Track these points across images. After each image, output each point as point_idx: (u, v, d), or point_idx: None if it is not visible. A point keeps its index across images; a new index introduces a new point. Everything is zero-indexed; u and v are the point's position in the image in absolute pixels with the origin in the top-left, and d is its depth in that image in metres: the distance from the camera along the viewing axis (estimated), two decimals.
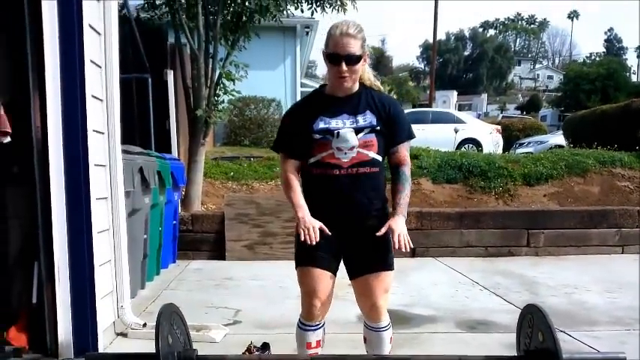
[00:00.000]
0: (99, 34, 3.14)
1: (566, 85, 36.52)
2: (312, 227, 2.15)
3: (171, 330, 2.01)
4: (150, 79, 6.40)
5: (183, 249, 5.94)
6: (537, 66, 76.97)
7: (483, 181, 7.45)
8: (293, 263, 2.35)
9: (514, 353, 2.26)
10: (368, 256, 2.28)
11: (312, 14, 7.04)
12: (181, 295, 4.46)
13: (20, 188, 2.96)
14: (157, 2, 6.75)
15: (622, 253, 6.36)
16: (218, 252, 6.01)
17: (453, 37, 71.41)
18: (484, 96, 50.58)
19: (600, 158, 7.98)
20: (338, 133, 2.22)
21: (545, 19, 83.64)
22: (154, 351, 1.85)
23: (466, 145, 13.63)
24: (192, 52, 6.38)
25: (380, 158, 2.28)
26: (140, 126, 6.33)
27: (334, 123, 2.24)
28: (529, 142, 16.50)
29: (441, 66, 61.62)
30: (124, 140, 3.56)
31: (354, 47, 2.14)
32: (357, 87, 2.29)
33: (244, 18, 6.45)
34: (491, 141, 13.61)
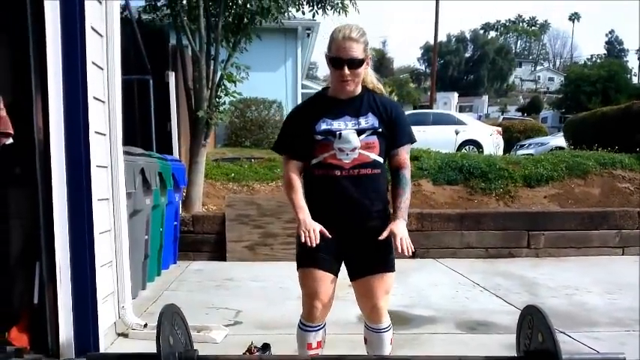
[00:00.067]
0: (101, 35, 3.16)
1: (566, 86, 36.52)
2: (313, 230, 2.15)
3: (173, 330, 2.02)
4: (151, 81, 6.41)
5: (184, 250, 5.95)
6: (538, 68, 76.96)
7: (484, 183, 7.46)
8: (294, 264, 2.36)
9: (514, 354, 2.27)
10: (369, 258, 2.29)
11: (314, 16, 7.06)
12: (182, 295, 4.47)
13: (22, 189, 2.97)
14: (159, 4, 6.77)
15: (622, 255, 6.36)
16: (219, 253, 6.03)
17: (453, 39, 71.47)
18: (485, 98, 50.61)
19: (601, 160, 7.99)
20: (340, 134, 2.23)
21: (546, 20, 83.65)
22: (155, 351, 1.86)
23: (467, 147, 13.64)
24: (193, 53, 6.40)
25: (381, 160, 2.29)
26: (141, 127, 6.35)
27: (336, 124, 2.25)
28: (530, 144, 16.49)
29: (442, 67, 61.64)
30: (126, 141, 3.58)
31: (357, 51, 2.16)
32: (359, 90, 2.30)
33: (246, 20, 6.47)
34: (492, 142, 13.62)
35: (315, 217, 2.22)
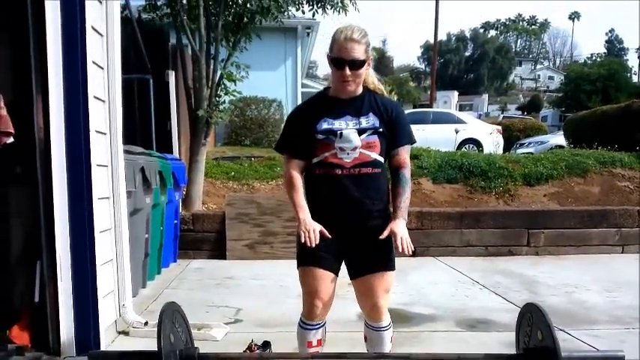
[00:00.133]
0: (101, 35, 3.16)
1: (566, 85, 36.52)
2: (313, 230, 2.16)
3: (173, 328, 2.03)
4: (151, 80, 6.42)
5: (184, 248, 5.96)
6: (538, 66, 76.93)
7: (484, 181, 7.46)
8: (294, 262, 2.37)
9: (513, 352, 2.28)
10: (369, 256, 2.30)
11: (313, 15, 7.06)
12: (182, 294, 4.48)
13: (23, 188, 2.98)
14: (159, 3, 6.78)
15: (622, 253, 6.37)
16: (219, 251, 6.03)
17: (453, 38, 71.39)
18: (485, 96, 50.56)
19: (600, 158, 8.00)
20: (341, 133, 2.24)
21: (546, 19, 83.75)
22: (156, 349, 1.87)
23: (467, 146, 13.64)
24: (193, 52, 6.40)
25: (382, 160, 2.30)
26: (141, 126, 6.35)
27: (337, 124, 2.26)
28: (530, 143, 16.49)
29: (442, 66, 61.61)
30: (126, 140, 3.58)
31: (358, 52, 2.17)
32: (360, 90, 2.31)
33: (245, 19, 6.47)
34: (492, 141, 13.62)
35: (315, 216, 2.23)
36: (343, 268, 2.37)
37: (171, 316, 2.04)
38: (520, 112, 40.59)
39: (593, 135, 9.77)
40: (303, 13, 7.21)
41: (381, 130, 2.27)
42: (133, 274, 3.70)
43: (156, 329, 1.91)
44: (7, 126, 2.75)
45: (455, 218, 6.30)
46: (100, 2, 3.16)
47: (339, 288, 2.35)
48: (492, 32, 78.51)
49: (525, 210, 6.78)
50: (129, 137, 3.98)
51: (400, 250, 2.15)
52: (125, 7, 5.95)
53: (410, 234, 2.20)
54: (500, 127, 15.47)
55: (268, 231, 6.02)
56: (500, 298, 4.46)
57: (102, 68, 3.18)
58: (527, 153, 11.53)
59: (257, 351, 2.95)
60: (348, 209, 2.27)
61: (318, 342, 2.38)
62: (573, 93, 33.20)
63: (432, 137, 11.29)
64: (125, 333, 3.41)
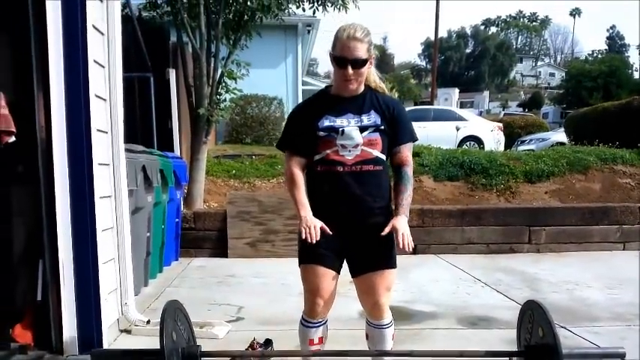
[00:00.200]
0: (102, 34, 3.17)
1: (568, 82, 36.44)
2: (314, 226, 2.17)
3: (176, 326, 2.04)
4: (152, 78, 6.41)
5: (186, 247, 5.97)
6: (539, 63, 76.81)
7: (485, 179, 7.46)
8: (295, 260, 2.38)
9: (515, 349, 2.29)
10: (371, 254, 2.30)
11: (314, 13, 7.05)
12: (184, 292, 4.49)
13: (25, 187, 2.99)
14: (159, 1, 6.77)
15: (623, 250, 6.37)
16: (220, 249, 6.04)
17: (454, 35, 71.27)
18: (486, 93, 50.46)
19: (602, 155, 7.99)
20: (343, 130, 2.25)
21: (547, 16, 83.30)
22: (159, 347, 1.87)
23: (468, 143, 13.62)
24: (194, 51, 6.40)
25: (384, 157, 2.30)
26: (142, 125, 6.35)
27: (339, 121, 2.27)
28: (531, 140, 16.47)
29: (443, 63, 61.50)
30: (127, 139, 3.59)
31: (361, 51, 2.18)
32: (362, 88, 2.32)
33: (246, 17, 6.47)
34: (493, 138, 13.60)
35: (317, 213, 2.24)
36: (345, 265, 2.38)
37: (174, 315, 2.05)
38: (521, 109, 40.55)
39: (594, 132, 9.76)
40: (304, 10, 7.20)
41: (382, 127, 2.28)
42: (135, 273, 3.70)
43: (158, 327, 1.92)
44: (8, 125, 2.76)
45: (456, 216, 6.30)
46: (101, 1, 3.16)
47: (340, 286, 2.36)
48: (493, 29, 78.43)
49: (526, 207, 6.77)
50: (130, 136, 3.98)
51: (401, 246, 2.16)
52: (126, 5, 5.95)
53: (411, 232, 2.21)
54: (501, 125, 15.46)
55: (269, 229, 6.03)
56: (502, 295, 4.46)
57: (103, 67, 3.19)
58: (528, 150, 11.53)
59: (259, 349, 2.96)
60: (349, 206, 2.27)
61: (320, 340, 2.39)
62: (574, 90, 33.14)
63: (433, 135, 11.28)
64: (127, 331, 3.42)
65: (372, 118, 2.28)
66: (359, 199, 2.26)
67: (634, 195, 7.38)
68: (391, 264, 2.33)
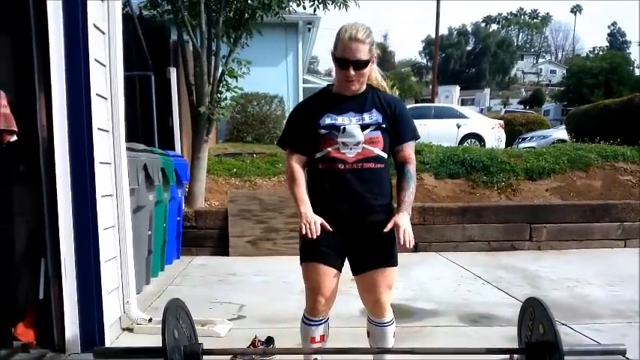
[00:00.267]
0: (103, 33, 3.17)
1: (569, 79, 36.41)
2: (314, 222, 2.17)
3: (177, 324, 2.04)
4: (153, 77, 6.42)
5: (187, 245, 5.98)
6: (540, 60, 76.69)
7: (486, 176, 7.46)
8: (296, 258, 2.38)
9: (516, 346, 2.30)
10: (372, 252, 2.31)
11: (315, 10, 7.05)
12: (186, 290, 4.50)
13: (27, 186, 3.00)
14: (160, 0, 6.77)
15: (624, 247, 6.38)
16: (221, 248, 6.05)
17: (455, 32, 71.23)
18: (487, 91, 50.42)
19: (603, 152, 7.98)
20: (344, 128, 2.25)
21: (547, 13, 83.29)
22: (161, 345, 1.88)
23: (469, 140, 13.62)
24: (194, 49, 6.40)
25: (385, 155, 2.31)
26: (144, 123, 6.36)
27: (341, 119, 2.27)
28: (532, 137, 16.46)
29: (444, 61, 61.48)
30: (128, 138, 3.59)
31: (362, 53, 2.18)
32: (364, 87, 2.33)
33: (247, 15, 6.47)
34: (494, 136, 13.60)
35: (318, 211, 2.24)
36: (345, 263, 2.38)
37: (175, 313, 2.05)
38: (522, 107, 40.47)
39: (595, 129, 9.74)
40: (304, 8, 7.20)
41: (384, 126, 2.28)
42: (137, 271, 3.71)
43: (160, 326, 1.93)
44: (10, 124, 2.76)
45: (457, 213, 6.31)
46: (102, 0, 3.16)
47: (341, 284, 2.36)
48: (494, 26, 78.35)
49: (527, 205, 6.78)
50: (131, 134, 3.98)
51: (402, 243, 2.17)
52: (126, 4, 5.95)
53: (412, 229, 2.21)
54: (502, 122, 15.44)
55: (270, 227, 6.04)
56: (503, 292, 4.47)
57: (104, 66, 3.19)
58: (529, 147, 11.51)
59: (260, 346, 2.97)
60: (350, 204, 2.27)
61: (321, 338, 2.40)
62: (575, 87, 33.11)
63: (434, 132, 11.27)
64: (129, 330, 3.43)
65: (373, 116, 2.29)
66: (360, 197, 2.27)
67: (635, 192, 7.38)
68: (392, 262, 2.33)
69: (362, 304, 2.47)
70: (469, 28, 73.48)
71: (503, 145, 12.92)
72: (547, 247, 6.32)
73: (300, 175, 2.32)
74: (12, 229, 3.04)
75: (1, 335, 2.92)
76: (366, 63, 2.21)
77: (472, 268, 5.34)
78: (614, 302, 4.13)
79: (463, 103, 38.38)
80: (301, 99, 13.58)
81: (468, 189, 7.37)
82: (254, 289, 4.58)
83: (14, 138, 2.82)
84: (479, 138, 13.91)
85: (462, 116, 14.56)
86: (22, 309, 3.02)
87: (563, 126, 14.78)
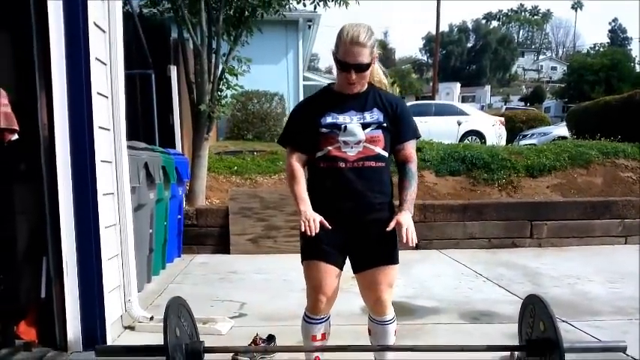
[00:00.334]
0: (104, 31, 3.17)
1: (569, 76, 36.38)
2: (313, 219, 2.17)
3: (179, 322, 2.05)
4: (153, 75, 6.41)
5: (188, 243, 5.99)
6: (541, 57, 76.58)
7: (486, 173, 7.46)
8: (297, 256, 2.38)
9: (516, 343, 2.30)
10: (373, 250, 2.31)
11: (315, 8, 7.04)
12: (187, 288, 4.51)
13: (28, 185, 3.00)
14: None
15: (625, 244, 6.37)
16: (222, 246, 6.06)
17: (455, 29, 71.17)
18: (487, 88, 50.42)
19: (603, 149, 7.97)
20: (345, 127, 2.26)
21: (548, 10, 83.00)
22: (163, 343, 1.89)
23: (469, 138, 13.62)
24: (195, 47, 6.40)
25: (386, 154, 2.31)
26: (144, 121, 6.36)
27: (342, 118, 2.28)
28: (532, 134, 16.45)
29: (444, 58, 61.48)
30: (129, 136, 3.59)
31: (364, 56, 2.18)
32: (365, 86, 2.33)
33: (247, 13, 6.46)
34: (495, 133, 13.58)
35: (319, 209, 2.24)
36: (347, 262, 2.39)
37: (177, 311, 2.06)
38: (523, 104, 40.50)
39: (596, 126, 9.72)
40: (305, 5, 7.19)
41: (385, 125, 2.29)
42: (138, 270, 3.72)
43: (162, 324, 1.94)
44: (11, 123, 2.76)
45: (458, 211, 6.31)
46: None
47: (342, 281, 2.37)
48: (494, 23, 78.22)
49: (528, 202, 6.77)
50: (132, 133, 3.99)
51: (404, 241, 2.17)
52: (126, 2, 5.95)
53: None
54: (502, 119, 15.43)
55: (271, 225, 6.04)
56: (504, 290, 4.47)
57: (105, 64, 3.19)
58: (530, 144, 11.49)
59: (262, 344, 2.98)
60: (351, 202, 2.28)
61: (323, 336, 2.40)
62: (576, 83, 33.07)
63: (435, 129, 11.28)
64: (131, 328, 3.44)
65: (374, 115, 2.29)
66: (361, 195, 2.27)
67: (636, 189, 7.37)
68: (393, 260, 2.34)
69: (363, 301, 2.47)
70: (470, 25, 73.43)
71: (503, 142, 12.91)
72: (548, 244, 6.32)
73: (300, 174, 2.33)
74: (13, 227, 3.04)
75: (3, 334, 2.93)
76: (367, 66, 2.21)
77: (473, 265, 5.34)
78: (614, 299, 4.13)
79: (464, 100, 38.37)
80: (302, 96, 13.61)
81: (469, 186, 7.37)
82: (255, 287, 4.59)
83: (15, 137, 2.82)
84: (479, 135, 13.90)
85: (462, 113, 14.56)
86: (24, 307, 3.03)
87: (564, 123, 14.76)
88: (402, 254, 2.36)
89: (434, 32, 27.59)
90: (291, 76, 14.87)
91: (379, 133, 2.27)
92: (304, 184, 2.32)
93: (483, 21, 76.69)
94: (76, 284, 2.93)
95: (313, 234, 2.15)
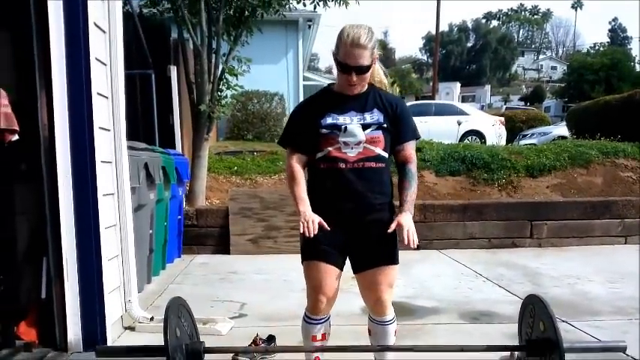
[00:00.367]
0: (104, 32, 3.18)
1: (569, 75, 36.39)
2: (312, 220, 2.17)
3: (179, 323, 2.05)
4: (153, 75, 6.42)
5: (188, 243, 5.99)
6: (541, 57, 76.59)
7: (486, 173, 7.46)
8: (297, 257, 2.39)
9: (516, 343, 2.30)
10: (373, 251, 2.31)
11: (315, 8, 7.04)
12: (187, 289, 4.51)
13: (28, 185, 3.00)
14: None
15: (625, 244, 6.38)
16: (222, 246, 6.06)
17: (455, 29, 71.17)
18: (487, 87, 50.41)
19: (603, 149, 7.97)
20: (345, 127, 2.26)
21: (548, 9, 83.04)
22: (163, 344, 1.89)
23: (469, 137, 13.62)
24: (195, 47, 6.40)
25: (386, 155, 2.31)
26: (144, 122, 6.37)
27: (342, 119, 2.28)
28: (532, 134, 16.44)
29: (444, 57, 61.48)
30: (129, 136, 3.59)
31: (365, 58, 2.18)
32: (365, 87, 2.33)
33: (247, 13, 6.46)
34: (495, 133, 13.58)
35: (319, 210, 2.24)
36: (347, 262, 2.39)
37: (177, 311, 2.06)
38: (523, 103, 40.50)
39: (596, 125, 9.72)
40: (304, 5, 7.19)
41: (385, 125, 2.29)
42: (138, 270, 3.72)
43: (162, 324, 1.94)
44: (11, 123, 2.77)
45: (458, 211, 6.31)
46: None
47: (342, 282, 2.37)
48: (494, 22, 78.26)
49: (528, 202, 6.77)
50: (132, 133, 3.98)
51: (405, 242, 2.17)
52: (126, 2, 5.95)
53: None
54: (502, 119, 15.42)
55: (271, 225, 6.04)
56: (503, 290, 4.47)
57: (105, 65, 3.19)
58: (530, 144, 11.49)
59: (262, 345, 2.98)
60: (351, 202, 2.28)
61: (323, 336, 2.40)
62: (576, 83, 33.08)
63: (435, 129, 11.28)
64: (131, 328, 3.44)
65: (374, 116, 2.29)
66: (361, 196, 2.27)
67: (636, 189, 7.37)
68: (393, 260, 2.34)
69: (363, 301, 2.47)
70: (469, 25, 73.43)
71: (503, 142, 12.91)
72: (548, 244, 6.32)
73: (300, 175, 2.33)
74: (14, 228, 3.04)
75: (3, 334, 2.93)
76: (368, 68, 2.21)
77: (473, 265, 5.34)
78: (614, 299, 4.13)
79: (464, 99, 38.37)
80: (302, 96, 13.61)
81: (469, 186, 7.37)
82: (255, 288, 4.59)
83: (15, 137, 2.82)
84: (479, 135, 13.90)
85: (462, 113, 14.55)
86: (24, 308, 3.03)
87: (564, 122, 14.76)
88: (401, 254, 2.36)
89: (434, 32, 27.60)
90: (291, 76, 14.87)
91: (379, 133, 2.27)
92: (304, 185, 2.32)
93: (483, 20, 76.74)
94: (76, 285, 2.93)
95: (312, 235, 2.15)
